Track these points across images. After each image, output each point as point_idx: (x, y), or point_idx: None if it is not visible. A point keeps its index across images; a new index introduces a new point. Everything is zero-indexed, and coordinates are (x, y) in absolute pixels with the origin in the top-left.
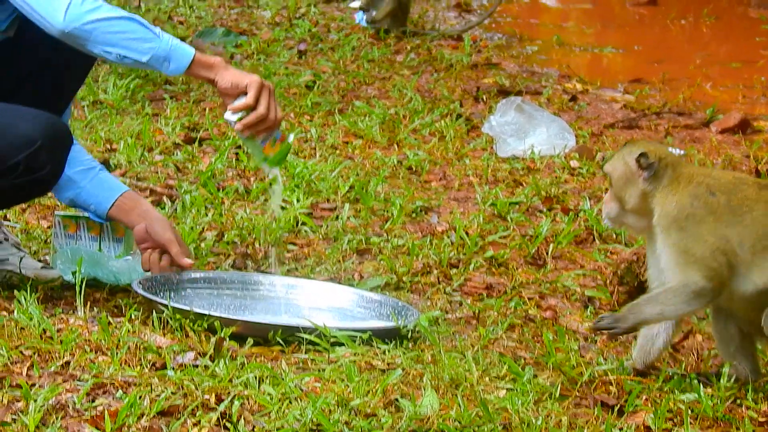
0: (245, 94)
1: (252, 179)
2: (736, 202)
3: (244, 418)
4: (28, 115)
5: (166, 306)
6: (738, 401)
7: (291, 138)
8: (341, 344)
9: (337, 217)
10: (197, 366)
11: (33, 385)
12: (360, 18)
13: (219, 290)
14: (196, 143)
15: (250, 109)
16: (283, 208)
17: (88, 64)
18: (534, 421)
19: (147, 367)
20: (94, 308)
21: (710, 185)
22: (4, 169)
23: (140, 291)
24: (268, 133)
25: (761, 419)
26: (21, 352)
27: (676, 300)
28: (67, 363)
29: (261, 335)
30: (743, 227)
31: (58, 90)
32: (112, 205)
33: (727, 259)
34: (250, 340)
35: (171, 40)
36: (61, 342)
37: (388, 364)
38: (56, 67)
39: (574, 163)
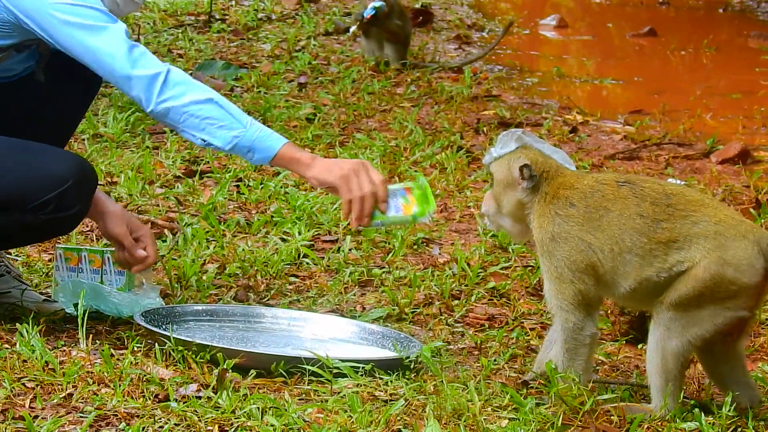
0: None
1: (253, 212)
2: (593, 207)
3: None
4: (58, 154)
5: (168, 338)
6: (739, 429)
7: (421, 180)
8: (344, 375)
9: (338, 249)
10: (200, 397)
11: (36, 417)
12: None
13: (221, 323)
14: (197, 176)
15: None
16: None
17: (89, 96)
18: None
19: (150, 398)
20: (97, 340)
21: (569, 196)
22: (34, 206)
23: (142, 323)
24: (386, 202)
25: None
26: (24, 384)
27: (571, 344)
28: (70, 395)
29: (264, 367)
30: (601, 232)
31: (61, 122)
32: None
33: (595, 274)
34: (253, 372)
35: (258, 131)
36: (64, 374)
37: (391, 395)
38: (59, 100)
39: None
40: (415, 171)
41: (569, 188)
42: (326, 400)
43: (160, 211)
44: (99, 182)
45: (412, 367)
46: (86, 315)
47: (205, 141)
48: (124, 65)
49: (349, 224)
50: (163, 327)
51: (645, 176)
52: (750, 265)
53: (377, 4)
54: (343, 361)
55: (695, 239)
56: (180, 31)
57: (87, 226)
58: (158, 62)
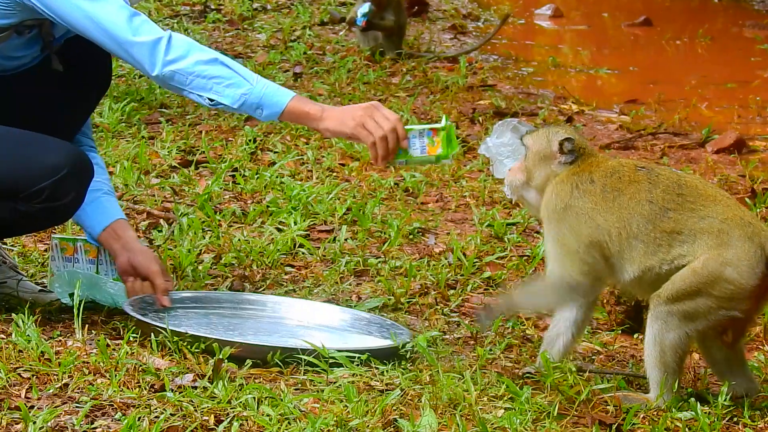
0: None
1: (249, 202)
2: (609, 187)
3: None
4: (54, 144)
5: (164, 329)
6: (735, 419)
7: (444, 121)
8: (340, 365)
9: (334, 239)
10: (196, 387)
11: (32, 407)
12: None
13: (207, 310)
14: (193, 166)
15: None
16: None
17: (101, 89)
18: None
19: (146, 388)
20: (93, 330)
21: (592, 172)
22: (28, 195)
23: (133, 314)
24: (406, 139)
25: None
26: (19, 374)
27: (550, 294)
28: (66, 385)
29: (258, 357)
30: (611, 214)
31: (71, 115)
32: (103, 230)
33: (602, 253)
34: (249, 362)
35: (266, 87)
36: (60, 364)
37: (387, 385)
38: (69, 92)
39: None
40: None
41: (594, 166)
42: (322, 390)
43: (155, 201)
44: None
45: (408, 356)
46: (82, 305)
47: (213, 101)
48: (125, 32)
49: (374, 163)
50: (151, 315)
51: (667, 166)
52: (750, 268)
53: (365, 9)
54: (339, 351)
55: (699, 234)
56: (175, 21)
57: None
58: (159, 28)
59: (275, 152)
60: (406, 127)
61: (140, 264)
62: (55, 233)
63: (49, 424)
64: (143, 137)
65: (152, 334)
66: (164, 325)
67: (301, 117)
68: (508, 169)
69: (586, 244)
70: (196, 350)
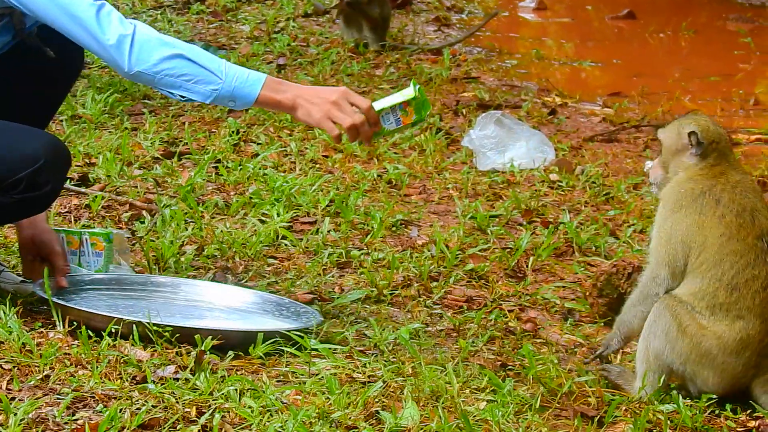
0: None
1: (232, 193)
2: (727, 223)
3: (225, 431)
4: (32, 133)
5: (66, 308)
6: (717, 411)
7: (413, 89)
8: (323, 357)
9: (317, 231)
10: (178, 379)
11: (13, 398)
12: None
13: (117, 292)
14: (176, 157)
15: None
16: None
17: (72, 76)
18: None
19: (127, 380)
20: (74, 322)
21: (723, 192)
22: (6, 185)
23: (39, 292)
24: (378, 124)
25: (740, 429)
26: (0, 366)
27: (650, 296)
28: (47, 377)
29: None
30: (713, 244)
31: (44, 103)
32: None
33: (686, 258)
34: (231, 354)
35: (236, 80)
36: (41, 356)
37: (369, 377)
38: (43, 80)
39: (553, 177)
40: (394, 153)
41: (727, 189)
42: (304, 382)
43: (138, 192)
44: (77, 164)
45: (390, 348)
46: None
47: (184, 97)
48: (93, 29)
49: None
50: (64, 297)
51: None
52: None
53: None
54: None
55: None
56: (159, 12)
57: (55, 208)
58: (125, 23)
59: (258, 144)
60: (378, 108)
61: (43, 243)
62: (61, 227)
63: (30, 415)
64: (126, 128)
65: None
66: (65, 303)
67: (272, 106)
68: (650, 167)
69: (679, 241)
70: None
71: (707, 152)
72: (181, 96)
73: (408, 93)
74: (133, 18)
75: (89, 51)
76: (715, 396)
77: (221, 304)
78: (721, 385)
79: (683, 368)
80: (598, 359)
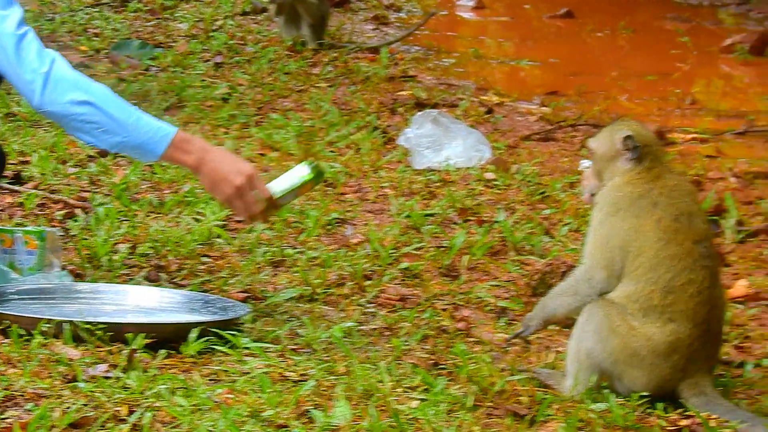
0: None
1: (166, 191)
2: (664, 227)
3: (156, 430)
4: None
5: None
6: (649, 411)
7: (308, 168)
8: (255, 355)
9: (251, 230)
10: (109, 378)
11: None
12: None
13: (41, 302)
14: (110, 156)
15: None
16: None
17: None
18: (446, 430)
19: (58, 379)
20: (6, 320)
21: (660, 197)
22: None
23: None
24: (278, 207)
25: (671, 428)
26: None
27: (572, 287)
28: None
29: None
30: (650, 247)
31: None
32: None
33: (623, 260)
34: (163, 352)
35: (143, 135)
36: None
37: (301, 375)
38: None
39: (489, 175)
40: (330, 152)
41: (665, 193)
42: (236, 381)
43: (72, 190)
44: (11, 162)
45: (323, 348)
46: None
47: (91, 142)
48: (11, 58)
49: None
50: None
51: (717, 255)
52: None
53: None
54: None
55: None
56: (96, 10)
57: None
58: (44, 56)
59: None
60: (277, 193)
61: None
62: None
63: None
64: None
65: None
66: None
67: (178, 164)
68: (585, 176)
69: (616, 245)
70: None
71: (642, 156)
72: (88, 141)
73: (304, 174)
74: (70, 14)
75: (4, 76)
76: (647, 393)
77: (148, 306)
78: (649, 386)
79: (613, 368)
80: (517, 339)
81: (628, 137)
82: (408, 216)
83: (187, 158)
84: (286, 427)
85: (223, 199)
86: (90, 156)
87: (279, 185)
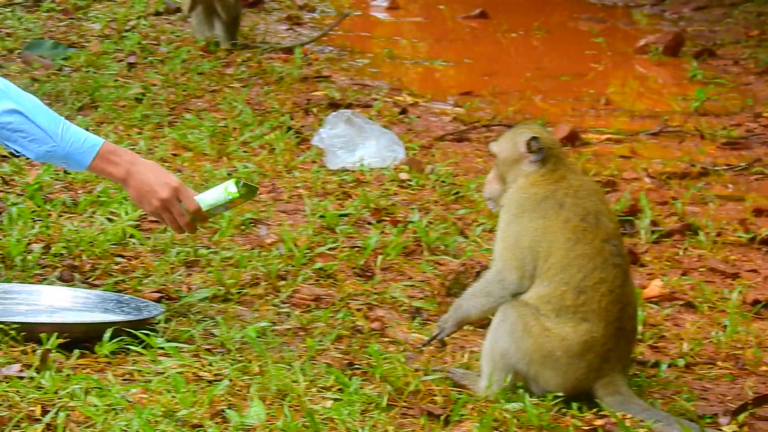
0: None
1: (80, 191)
2: (572, 226)
3: (70, 430)
4: None
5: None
6: (563, 410)
7: (234, 186)
8: (169, 355)
9: (165, 230)
10: (23, 378)
11: None
12: None
13: None
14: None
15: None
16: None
17: None
18: (360, 430)
19: None
20: None
21: (566, 197)
22: None
23: None
24: (205, 219)
25: (586, 428)
26: None
27: (484, 287)
28: None
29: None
30: (559, 248)
31: None
32: None
33: (534, 262)
34: (77, 352)
35: (70, 145)
36: None
37: (215, 375)
38: None
39: (403, 176)
40: (244, 152)
41: (570, 194)
42: (150, 381)
43: None
44: None
45: (237, 348)
46: None
47: (18, 152)
48: None
49: None
50: None
51: (625, 253)
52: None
53: None
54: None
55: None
56: (9, 9)
57: None
58: None
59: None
60: (204, 207)
61: None
62: None
63: None
64: None
65: None
66: None
67: (105, 176)
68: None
69: (524, 245)
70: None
71: (546, 158)
72: (15, 150)
73: (232, 191)
74: None
75: None
76: (561, 394)
77: (62, 306)
78: (564, 386)
79: (527, 369)
80: (433, 342)
81: (532, 139)
82: (322, 216)
83: (114, 170)
84: (200, 426)
85: (150, 211)
86: (2, 156)
87: (207, 199)
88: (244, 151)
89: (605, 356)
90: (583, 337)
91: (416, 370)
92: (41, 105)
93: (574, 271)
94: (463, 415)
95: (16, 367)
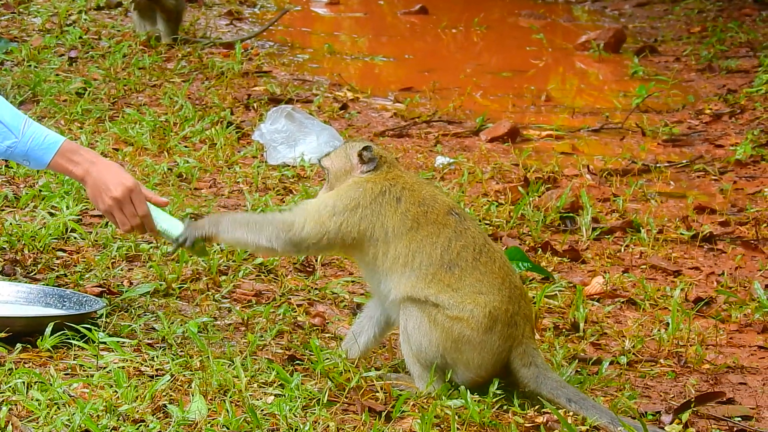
0: None
1: (21, 186)
2: (412, 215)
3: (12, 424)
4: None
5: None
6: (505, 407)
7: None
8: (111, 350)
9: (106, 224)
10: None
11: None
12: None
13: None
14: None
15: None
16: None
17: None
18: (302, 426)
19: None
20: None
21: (403, 192)
22: None
23: None
24: (154, 231)
25: (527, 425)
26: None
27: (270, 228)
28: None
29: None
30: (400, 239)
31: None
32: None
33: (357, 249)
34: (19, 346)
35: (32, 141)
36: None
37: (157, 370)
38: None
39: None
40: (185, 147)
41: (403, 184)
42: (92, 375)
43: None
44: None
45: (178, 343)
46: None
47: None
48: None
49: None
50: None
51: (474, 218)
52: (488, 356)
53: None
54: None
55: (469, 298)
56: None
57: None
58: None
59: None
60: (158, 227)
61: None
62: None
63: None
64: None
65: None
66: None
67: (65, 174)
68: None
69: (341, 235)
70: None
71: (379, 166)
72: None
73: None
74: None
75: None
76: (484, 374)
77: (3, 300)
78: (484, 366)
79: (445, 359)
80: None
81: (364, 149)
82: (263, 211)
83: (74, 168)
84: (142, 422)
85: (103, 209)
86: None
87: (161, 221)
88: (185, 146)
89: (511, 321)
90: (486, 309)
91: (357, 366)
92: (3, 101)
93: (429, 249)
94: (404, 411)
95: None
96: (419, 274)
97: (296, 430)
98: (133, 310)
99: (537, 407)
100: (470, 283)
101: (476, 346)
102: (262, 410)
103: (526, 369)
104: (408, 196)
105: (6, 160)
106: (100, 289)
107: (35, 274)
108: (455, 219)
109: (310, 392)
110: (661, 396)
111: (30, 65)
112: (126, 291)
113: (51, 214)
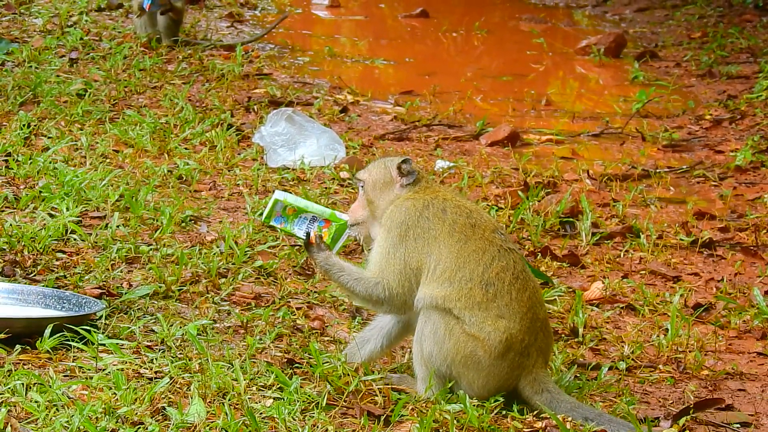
0: None
1: (21, 187)
2: (460, 226)
3: (11, 425)
4: None
5: None
6: (504, 412)
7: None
8: (110, 352)
9: (106, 226)
10: None
11: None
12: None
13: None
14: None
15: None
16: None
17: None
18: (301, 430)
19: None
20: None
21: (446, 202)
22: None
23: None
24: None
25: (526, 430)
26: None
27: (360, 289)
28: None
29: None
30: (449, 250)
31: None
32: None
33: (418, 279)
34: (18, 347)
35: None
36: None
37: (156, 373)
38: None
39: (344, 174)
40: (185, 149)
41: (443, 196)
42: (91, 377)
43: None
44: None
45: (177, 345)
46: None
47: None
48: None
49: None
50: None
51: (519, 252)
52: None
53: None
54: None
55: (497, 318)
56: None
57: None
58: None
59: (49, 137)
60: (303, 205)
61: None
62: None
63: None
64: None
65: None
66: None
67: None
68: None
69: (412, 267)
70: None
71: (417, 180)
72: None
73: (342, 215)
74: None
75: None
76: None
77: (2, 301)
78: (486, 387)
79: (449, 370)
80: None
81: (403, 162)
82: (261, 214)
83: None
84: (141, 424)
85: None
86: None
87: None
88: (185, 148)
89: (525, 352)
90: (503, 335)
91: (356, 370)
92: None
93: (473, 266)
94: (403, 415)
95: None
96: (456, 287)
97: None
98: (132, 312)
99: (536, 412)
100: (498, 306)
101: (484, 369)
102: (261, 413)
103: (538, 396)
104: (452, 207)
105: (6, 160)
106: (100, 290)
107: (35, 276)
108: (501, 238)
109: (309, 396)
110: (659, 402)
111: (31, 66)
112: (125, 293)
113: (51, 216)
